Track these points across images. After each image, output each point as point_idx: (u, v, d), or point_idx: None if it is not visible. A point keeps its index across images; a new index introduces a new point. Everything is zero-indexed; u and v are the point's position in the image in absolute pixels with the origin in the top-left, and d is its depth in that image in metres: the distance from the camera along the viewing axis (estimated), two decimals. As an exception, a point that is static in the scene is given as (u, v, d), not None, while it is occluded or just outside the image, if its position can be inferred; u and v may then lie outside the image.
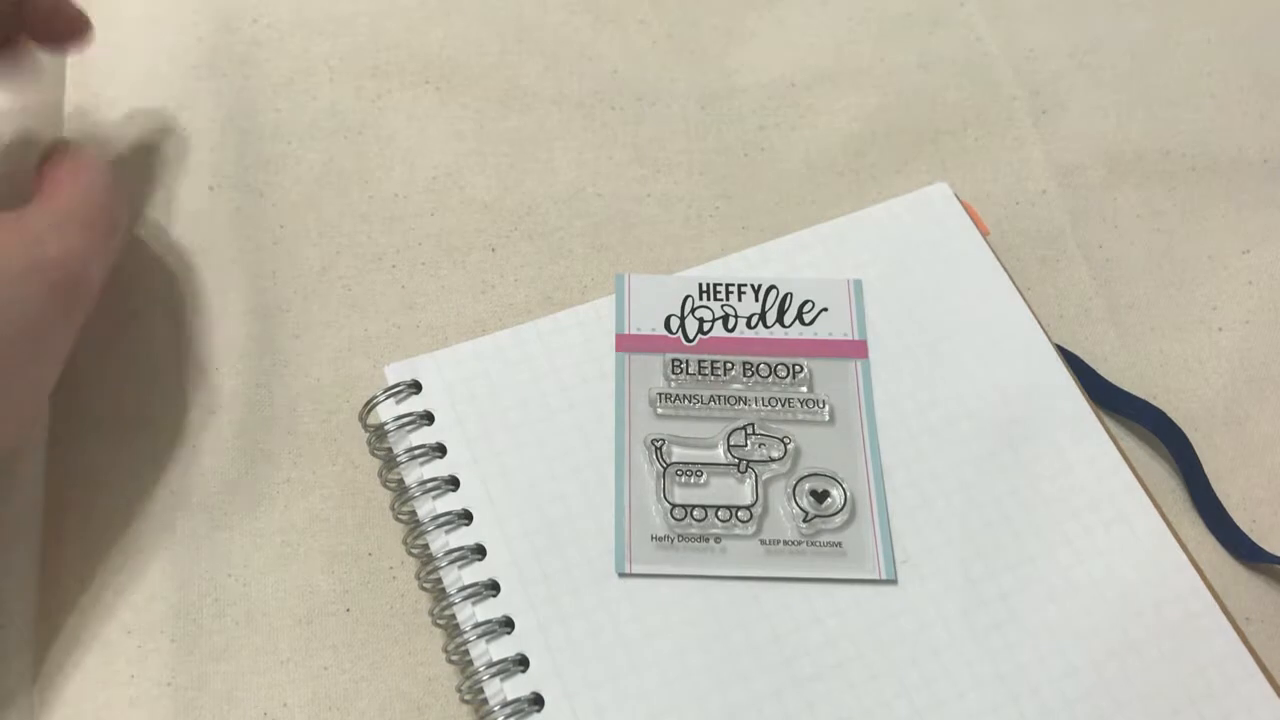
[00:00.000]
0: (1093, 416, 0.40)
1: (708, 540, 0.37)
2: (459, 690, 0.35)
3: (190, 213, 0.44)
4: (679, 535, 0.37)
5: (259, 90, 0.47)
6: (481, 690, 0.35)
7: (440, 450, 0.38)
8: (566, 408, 0.39)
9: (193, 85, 0.46)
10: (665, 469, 0.38)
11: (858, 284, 0.41)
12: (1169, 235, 0.46)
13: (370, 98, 0.47)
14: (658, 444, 0.38)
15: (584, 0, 0.50)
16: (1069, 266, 0.45)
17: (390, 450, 0.38)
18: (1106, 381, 0.42)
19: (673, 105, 0.48)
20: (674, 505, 0.37)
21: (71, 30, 0.42)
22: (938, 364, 0.40)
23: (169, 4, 0.48)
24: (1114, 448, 0.39)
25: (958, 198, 0.43)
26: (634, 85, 0.48)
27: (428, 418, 0.38)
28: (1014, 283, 0.42)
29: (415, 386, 0.39)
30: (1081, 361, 0.42)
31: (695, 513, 0.37)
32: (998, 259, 0.42)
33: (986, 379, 0.40)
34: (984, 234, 0.43)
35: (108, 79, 0.47)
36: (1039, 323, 0.41)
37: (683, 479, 0.38)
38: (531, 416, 0.38)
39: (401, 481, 0.38)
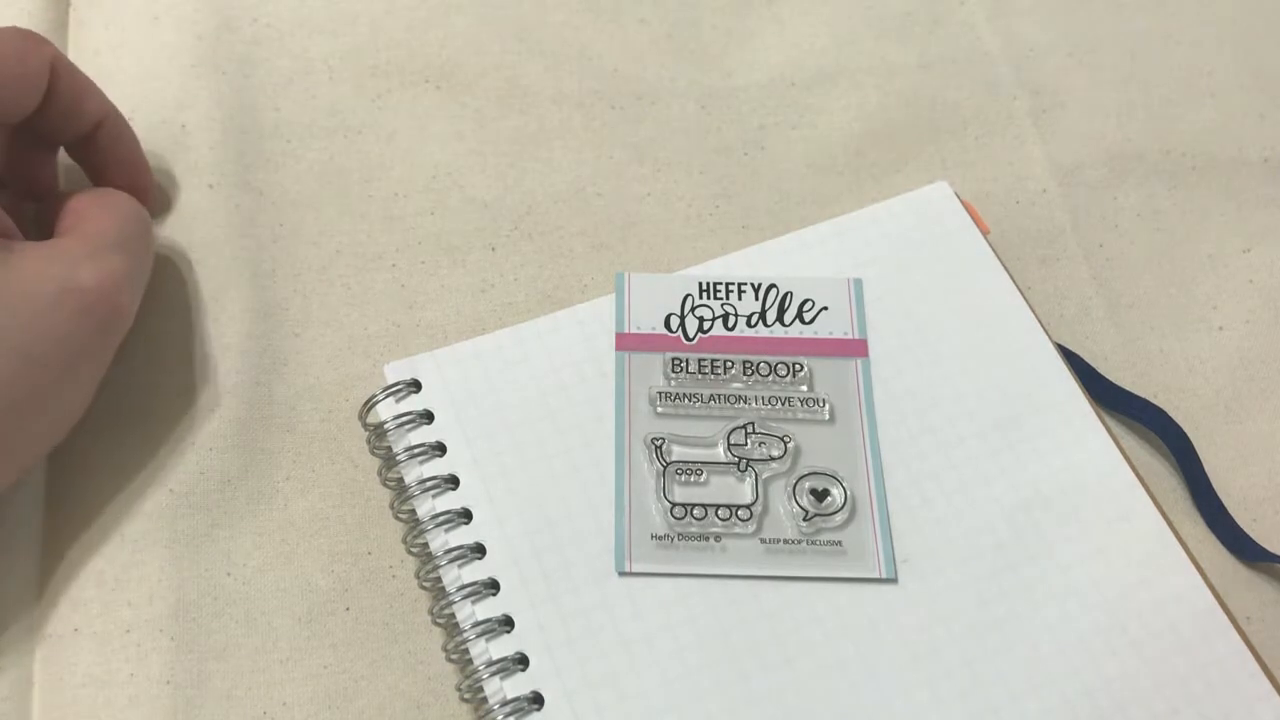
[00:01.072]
0: (1093, 416, 0.40)
1: (708, 539, 0.37)
2: (458, 689, 0.35)
3: (190, 212, 0.44)
4: (679, 534, 0.37)
5: (259, 89, 0.47)
6: (481, 689, 0.35)
7: (440, 449, 0.38)
8: (566, 407, 0.39)
9: (193, 84, 0.46)
10: (665, 468, 0.38)
11: (858, 283, 0.41)
12: (1169, 234, 0.46)
13: (370, 97, 0.47)
14: (658, 443, 0.38)
15: (584, 0, 0.50)
16: (1069, 266, 0.45)
17: (390, 449, 0.38)
18: (1107, 380, 0.42)
19: (673, 105, 0.48)
20: (674, 504, 0.37)
21: (133, 190, 0.41)
22: (938, 363, 0.40)
23: (169, 4, 0.48)
24: (1114, 447, 0.39)
25: (958, 197, 0.43)
26: (634, 85, 0.48)
27: (427, 416, 0.38)
28: (1014, 282, 0.42)
29: (415, 385, 0.39)
30: (1082, 360, 0.42)
31: (695, 512, 0.37)
32: (998, 258, 0.42)
33: (986, 378, 0.40)
34: (984, 233, 0.43)
35: (108, 78, 0.46)
36: (1039, 322, 0.41)
37: (682, 478, 0.38)
38: (531, 415, 0.38)
39: (401, 480, 0.38)
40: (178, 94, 0.46)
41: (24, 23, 0.47)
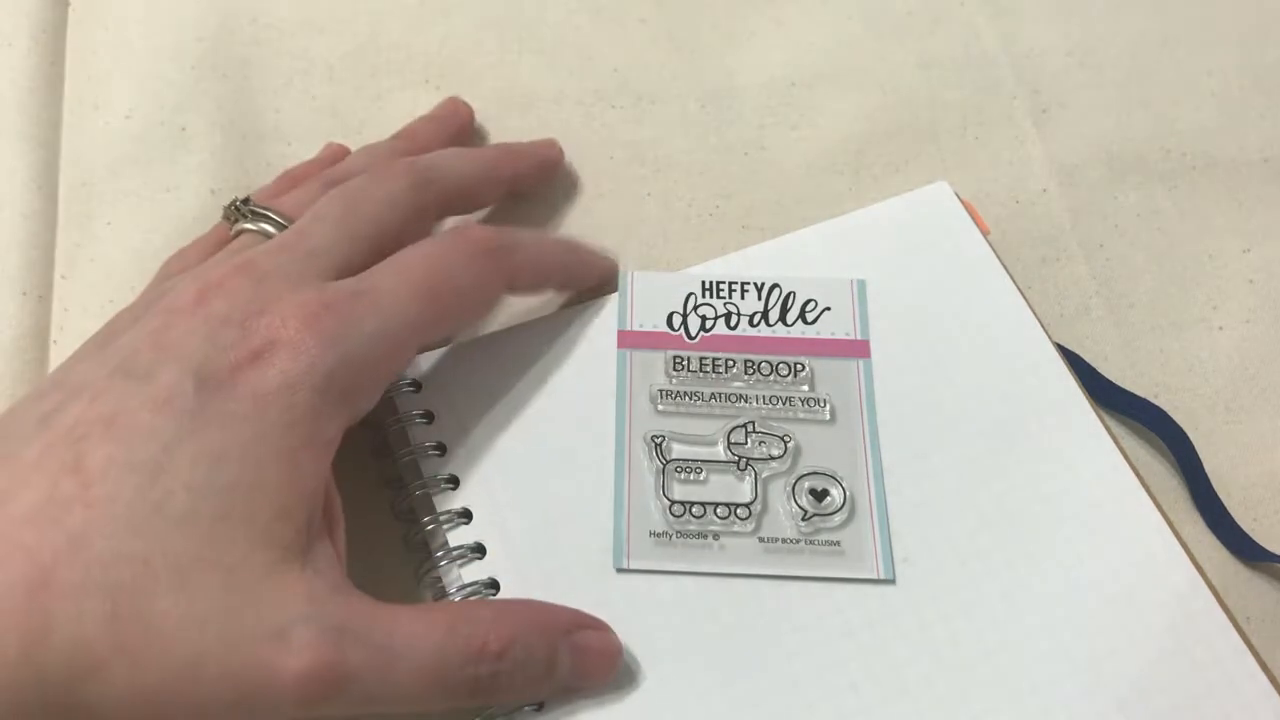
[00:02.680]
0: (1093, 415, 0.39)
1: (706, 537, 0.37)
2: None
3: (192, 216, 0.44)
4: (677, 532, 0.37)
5: (259, 91, 0.47)
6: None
7: (440, 449, 0.38)
8: (567, 405, 0.39)
9: (193, 86, 0.46)
10: (665, 465, 0.38)
11: (861, 284, 0.41)
12: (1169, 234, 0.46)
13: (370, 97, 0.47)
14: (658, 440, 0.38)
15: (584, 0, 0.50)
16: (1069, 266, 0.45)
17: (390, 449, 0.38)
18: (1107, 380, 0.42)
19: (673, 105, 0.48)
20: (673, 502, 0.37)
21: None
22: (937, 363, 0.40)
23: (169, 4, 0.48)
24: (1114, 447, 0.39)
25: (958, 197, 0.43)
26: (634, 85, 0.48)
27: (428, 416, 0.38)
28: (1014, 282, 0.42)
29: (415, 386, 0.39)
30: (1082, 360, 0.42)
31: (694, 510, 0.37)
32: (998, 258, 0.42)
33: (986, 378, 0.40)
34: (984, 233, 0.43)
35: (107, 79, 0.47)
36: (1039, 322, 0.41)
37: (682, 476, 0.38)
38: (531, 414, 0.38)
39: (401, 480, 0.38)
40: (178, 95, 0.46)
41: (23, 24, 0.47)
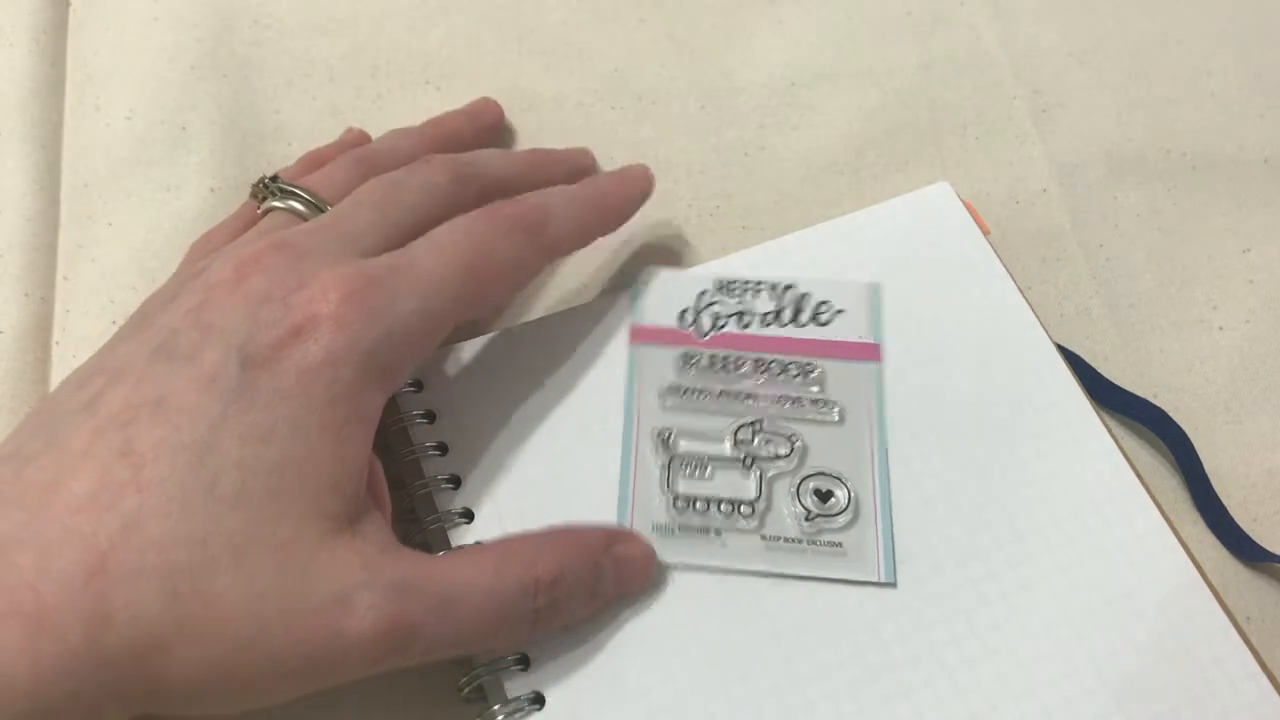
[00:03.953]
0: (1093, 416, 0.40)
1: (708, 532, 0.37)
2: (459, 689, 0.35)
3: (193, 215, 0.44)
4: (680, 525, 0.37)
5: (259, 91, 0.47)
6: (481, 688, 0.35)
7: (441, 449, 0.38)
8: (572, 403, 0.38)
9: (193, 86, 0.46)
10: (670, 460, 0.38)
11: (876, 287, 0.41)
12: (1169, 234, 0.46)
13: (370, 98, 0.47)
14: (665, 435, 0.38)
15: (584, 0, 0.50)
16: (1069, 266, 0.45)
17: (391, 449, 0.38)
18: (1107, 381, 0.42)
19: (673, 105, 0.48)
20: (677, 496, 0.37)
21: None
22: (942, 365, 0.40)
23: (169, 4, 0.48)
24: (1115, 447, 0.39)
25: (959, 197, 0.43)
26: (634, 85, 0.48)
27: (429, 416, 0.38)
28: (1014, 282, 0.42)
29: (417, 385, 0.39)
30: (1082, 361, 0.42)
31: (697, 504, 0.37)
32: (999, 258, 0.42)
33: (988, 379, 0.40)
34: (985, 233, 0.43)
35: (108, 80, 0.47)
36: (1040, 322, 0.41)
37: (687, 471, 0.38)
38: (534, 414, 0.38)
39: (402, 480, 0.38)
40: (178, 96, 0.46)
41: (24, 24, 0.47)
